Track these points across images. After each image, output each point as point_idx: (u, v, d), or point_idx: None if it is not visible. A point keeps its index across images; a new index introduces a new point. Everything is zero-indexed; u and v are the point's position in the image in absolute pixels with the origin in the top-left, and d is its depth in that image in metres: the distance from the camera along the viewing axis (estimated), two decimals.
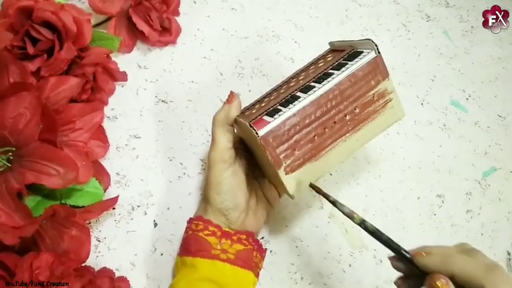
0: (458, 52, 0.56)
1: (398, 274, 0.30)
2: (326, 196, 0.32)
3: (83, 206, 0.36)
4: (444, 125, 0.50)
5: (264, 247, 0.38)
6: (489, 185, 0.47)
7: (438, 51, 0.55)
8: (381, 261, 0.41)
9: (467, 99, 0.53)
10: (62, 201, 0.36)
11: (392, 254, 0.29)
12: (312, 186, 0.33)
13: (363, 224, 0.30)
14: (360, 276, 0.40)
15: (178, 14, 0.50)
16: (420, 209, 0.45)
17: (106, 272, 0.36)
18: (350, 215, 0.30)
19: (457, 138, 0.50)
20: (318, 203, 0.43)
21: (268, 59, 0.50)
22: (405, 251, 0.28)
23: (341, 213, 0.43)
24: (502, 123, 0.52)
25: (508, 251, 0.44)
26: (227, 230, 0.35)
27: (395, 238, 0.42)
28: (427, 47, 0.55)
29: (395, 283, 0.30)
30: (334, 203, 0.32)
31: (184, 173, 0.42)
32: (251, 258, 0.35)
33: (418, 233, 0.43)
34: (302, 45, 0.52)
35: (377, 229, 0.29)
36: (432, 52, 0.55)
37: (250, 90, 0.48)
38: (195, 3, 0.52)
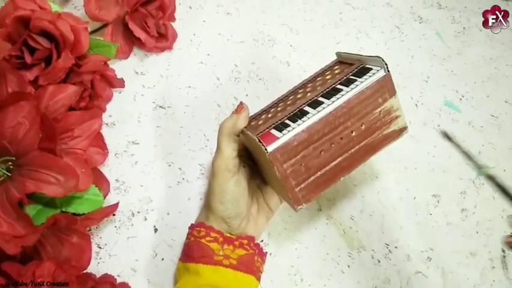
0: (450, 53, 0.57)
1: None
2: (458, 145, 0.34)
3: (83, 214, 0.36)
4: (439, 126, 0.51)
5: (264, 250, 0.39)
6: (483, 184, 0.48)
7: (432, 52, 0.56)
8: (379, 261, 0.42)
9: (461, 99, 0.53)
10: (63, 209, 0.36)
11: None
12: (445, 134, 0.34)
13: (491, 179, 0.31)
14: (359, 277, 0.41)
15: (174, 19, 0.50)
16: (416, 209, 0.45)
17: (107, 278, 0.36)
18: (479, 167, 0.32)
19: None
20: (316, 205, 0.44)
21: (264, 63, 0.51)
22: None
23: (338, 214, 0.43)
24: (495, 122, 0.52)
25: (502, 249, 0.45)
26: (229, 235, 0.35)
27: (393, 238, 0.43)
28: (420, 48, 0.56)
29: (505, 239, 0.31)
30: (466, 153, 0.33)
31: (183, 178, 0.43)
32: (253, 262, 0.35)
33: (415, 232, 0.44)
34: (297, 49, 0.52)
35: (505, 186, 0.31)
36: (426, 53, 0.56)
37: (247, 95, 0.48)
38: (191, 8, 0.52)
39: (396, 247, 0.43)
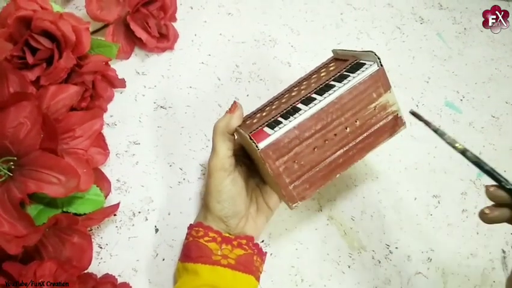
0: (451, 54, 0.57)
1: None
2: (427, 123, 0.33)
3: (84, 214, 0.36)
4: (440, 126, 0.51)
5: (264, 250, 0.39)
6: (484, 185, 0.48)
7: (433, 53, 0.56)
8: (379, 261, 0.42)
9: (461, 100, 0.53)
10: (64, 209, 0.36)
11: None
12: (412, 113, 0.34)
13: (465, 153, 0.31)
14: (359, 277, 0.41)
15: (175, 19, 0.50)
16: (417, 210, 0.45)
17: (108, 278, 0.36)
18: (451, 143, 0.31)
19: None
20: (317, 205, 0.44)
21: (265, 64, 0.51)
22: (506, 180, 0.29)
23: (339, 215, 0.43)
24: (496, 123, 0.52)
25: (502, 249, 0.45)
26: (227, 235, 0.35)
27: (393, 239, 0.43)
28: (421, 49, 0.56)
29: (483, 211, 0.30)
30: (436, 131, 0.33)
31: (184, 178, 0.43)
32: (252, 262, 0.35)
33: (415, 233, 0.44)
34: (298, 49, 0.53)
35: (480, 159, 0.30)
36: (427, 54, 0.56)
37: (247, 95, 0.48)
38: (192, 8, 0.53)
39: (396, 248, 0.43)
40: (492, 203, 0.30)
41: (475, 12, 0.61)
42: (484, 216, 0.30)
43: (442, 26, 0.59)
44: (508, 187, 0.29)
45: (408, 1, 0.60)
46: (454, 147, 0.31)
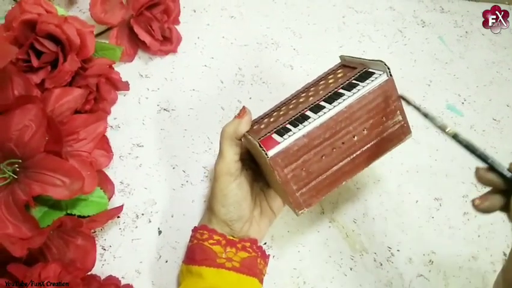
0: (453, 57, 0.57)
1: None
2: (417, 108, 0.32)
3: (88, 216, 0.37)
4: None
5: (267, 253, 0.39)
6: (485, 188, 0.48)
7: (434, 56, 0.56)
8: (381, 264, 0.42)
9: (463, 103, 0.54)
10: (68, 212, 0.36)
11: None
12: (401, 97, 0.33)
13: (456, 137, 0.30)
14: (361, 280, 0.41)
15: (178, 22, 0.50)
16: (418, 213, 0.45)
17: (111, 280, 0.36)
18: (442, 127, 0.31)
19: (453, 142, 0.50)
20: (319, 208, 0.44)
21: (268, 66, 0.51)
22: (499, 163, 0.28)
23: (341, 217, 0.44)
24: (497, 126, 0.53)
25: (504, 252, 0.45)
26: (231, 238, 0.36)
27: (395, 241, 0.43)
28: (423, 52, 0.57)
29: (473, 202, 0.29)
30: (426, 115, 0.32)
31: (187, 181, 0.43)
32: (255, 265, 0.36)
33: (417, 235, 0.44)
34: (301, 52, 0.53)
35: (471, 143, 0.29)
36: (428, 57, 0.56)
37: (250, 98, 0.49)
38: (195, 11, 0.53)
39: (398, 250, 0.43)
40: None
41: (476, 16, 0.61)
42: (475, 208, 0.29)
43: (444, 29, 0.59)
44: (500, 171, 0.28)
45: (410, 4, 0.60)
46: (445, 132, 0.31)
